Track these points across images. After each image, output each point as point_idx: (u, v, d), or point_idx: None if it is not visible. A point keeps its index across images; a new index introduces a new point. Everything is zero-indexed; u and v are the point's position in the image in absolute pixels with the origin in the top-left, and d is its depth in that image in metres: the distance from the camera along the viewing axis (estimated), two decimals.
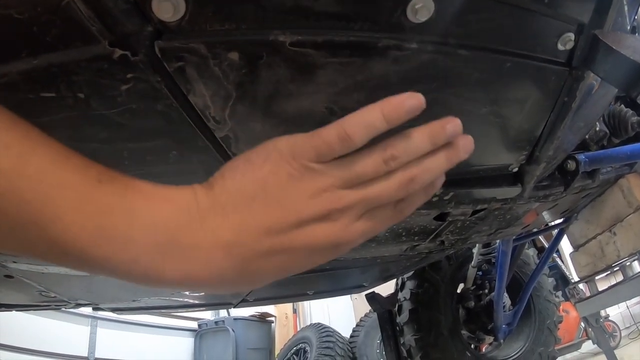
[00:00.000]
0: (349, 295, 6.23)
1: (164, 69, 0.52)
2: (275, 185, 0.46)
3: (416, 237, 1.21)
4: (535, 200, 1.12)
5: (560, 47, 0.65)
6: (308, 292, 1.96)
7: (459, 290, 2.67)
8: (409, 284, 2.44)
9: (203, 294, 1.66)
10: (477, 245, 2.41)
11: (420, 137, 0.48)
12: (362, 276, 1.87)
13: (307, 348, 4.60)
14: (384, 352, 4.23)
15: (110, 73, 0.53)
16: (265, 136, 0.49)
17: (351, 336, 4.69)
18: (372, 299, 2.52)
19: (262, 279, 0.49)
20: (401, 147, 0.48)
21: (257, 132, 0.63)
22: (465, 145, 0.51)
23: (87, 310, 4.52)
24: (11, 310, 1.78)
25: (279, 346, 5.92)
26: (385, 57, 0.56)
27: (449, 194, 0.94)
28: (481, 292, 2.69)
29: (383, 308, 2.50)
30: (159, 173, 0.75)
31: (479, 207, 1.07)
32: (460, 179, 0.93)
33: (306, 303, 6.91)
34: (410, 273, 2.43)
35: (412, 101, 0.46)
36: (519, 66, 0.65)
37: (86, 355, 5.31)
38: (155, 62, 0.51)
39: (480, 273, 2.67)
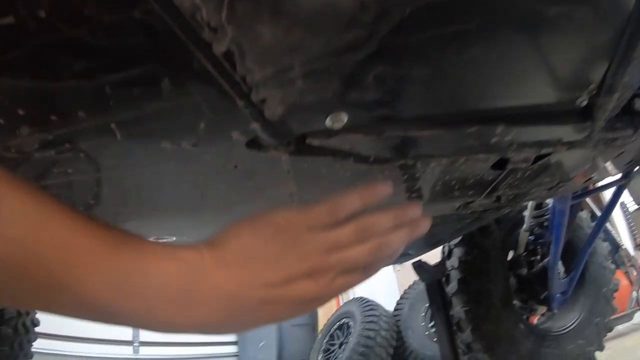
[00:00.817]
0: (391, 267, 6.13)
1: None
2: (272, 249, 0.56)
3: (470, 192, 1.06)
4: (603, 143, 0.98)
5: None
6: None
7: (509, 257, 2.47)
8: (457, 252, 2.26)
9: None
10: (529, 206, 2.23)
11: (387, 217, 0.64)
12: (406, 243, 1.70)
13: (351, 323, 4.49)
14: (429, 325, 4.10)
15: None
16: (277, 48, 0.45)
17: (395, 309, 4.55)
18: (420, 268, 2.33)
19: (255, 324, 0.58)
20: (371, 223, 0.62)
21: (266, 41, 0.49)
22: (424, 224, 0.70)
23: None
24: None
25: (322, 322, 5.86)
26: None
27: (511, 133, 0.79)
28: (533, 258, 2.49)
29: (432, 278, 2.32)
30: (154, 114, 0.63)
31: (543, 152, 0.93)
32: (522, 115, 0.79)
33: None
34: (458, 240, 2.25)
35: (382, 189, 0.66)
36: None
37: (130, 339, 5.39)
38: None
39: (532, 238, 2.48)
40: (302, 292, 0.57)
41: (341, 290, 0.62)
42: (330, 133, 0.71)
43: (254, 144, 0.71)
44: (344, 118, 0.67)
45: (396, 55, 0.59)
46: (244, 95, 0.59)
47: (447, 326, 2.23)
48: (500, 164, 0.96)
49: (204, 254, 0.53)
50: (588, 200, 4.48)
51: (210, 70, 0.53)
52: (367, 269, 0.64)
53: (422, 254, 2.02)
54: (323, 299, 0.60)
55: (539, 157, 0.97)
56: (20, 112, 0.61)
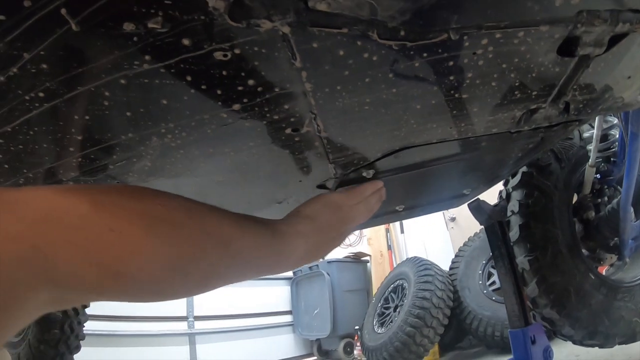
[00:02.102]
0: (444, 225, 5.96)
1: None
2: (335, 217, 0.97)
3: (534, 92, 0.86)
4: None
5: None
6: (397, 208, 1.63)
7: (574, 200, 2.19)
8: (516, 195, 2.01)
9: None
10: (594, 137, 1.97)
11: (374, 197, 1.12)
12: (461, 181, 1.48)
13: (405, 284, 4.33)
14: (487, 283, 3.91)
15: None
16: None
17: (450, 268, 4.36)
18: (478, 208, 2.08)
19: (329, 251, 0.99)
20: (370, 201, 1.10)
21: None
22: (384, 196, 1.17)
23: None
24: None
25: (376, 285, 5.76)
26: None
27: None
28: (600, 200, 2.22)
29: (492, 219, 2.09)
30: None
31: (618, 30, 0.74)
32: None
33: (401, 238, 6.59)
34: (516, 181, 2.03)
35: (380, 183, 1.14)
36: None
37: (185, 314, 5.50)
38: None
39: (598, 176, 2.21)
40: (339, 240, 1.01)
41: (348, 235, 1.09)
42: None
43: (239, 12, 0.53)
44: None
45: None
46: None
47: (513, 275, 2.01)
48: (569, 48, 0.76)
49: (308, 226, 0.89)
50: None
51: None
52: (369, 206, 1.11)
53: (479, 194, 1.77)
54: (342, 242, 1.04)
55: (614, 41, 0.78)
56: None
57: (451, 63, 0.70)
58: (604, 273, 2.42)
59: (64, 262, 0.46)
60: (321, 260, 6.26)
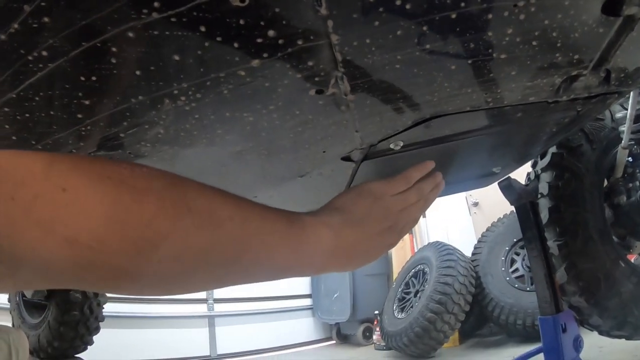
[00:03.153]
0: (467, 210, 5.90)
1: None
2: (373, 210, 0.83)
3: (575, 56, 0.80)
4: None
5: None
6: None
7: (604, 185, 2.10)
8: (545, 177, 1.93)
9: None
10: (627, 117, 1.88)
11: (429, 183, 1.00)
12: (491, 158, 1.41)
13: (427, 269, 4.28)
14: (510, 270, 3.83)
15: None
16: None
17: (473, 254, 4.29)
18: (509, 187, 1.98)
19: (364, 263, 0.83)
20: (422, 188, 0.97)
21: None
22: (442, 184, 1.06)
23: None
24: None
25: (396, 270, 5.72)
26: None
27: None
28: (631, 184, 2.13)
29: (523, 199, 2.01)
30: None
31: None
32: None
33: (422, 222, 6.54)
34: (546, 162, 1.94)
35: (430, 165, 1.02)
36: None
37: (204, 297, 5.58)
38: None
39: (630, 159, 2.11)
40: (388, 239, 0.87)
41: (404, 235, 0.93)
42: None
43: None
44: None
45: None
46: None
47: (544, 258, 1.93)
48: (614, 7, 0.70)
49: (337, 217, 0.77)
50: None
51: None
52: (416, 220, 0.97)
53: (509, 172, 1.69)
54: (395, 243, 0.91)
55: None
56: None
57: (490, 16, 0.64)
58: (633, 261, 2.34)
59: (1, 222, 0.40)
60: None
